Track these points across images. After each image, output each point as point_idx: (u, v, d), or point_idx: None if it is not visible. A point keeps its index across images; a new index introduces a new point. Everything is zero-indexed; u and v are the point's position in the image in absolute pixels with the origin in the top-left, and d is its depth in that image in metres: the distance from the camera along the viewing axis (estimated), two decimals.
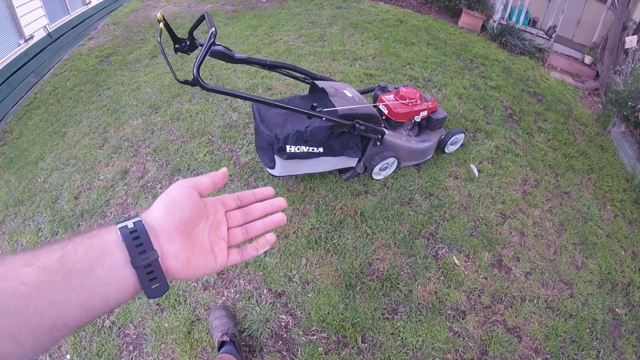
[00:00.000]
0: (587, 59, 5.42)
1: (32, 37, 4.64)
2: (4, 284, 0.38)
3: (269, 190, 0.63)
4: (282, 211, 0.62)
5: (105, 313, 0.41)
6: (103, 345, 1.90)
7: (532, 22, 5.97)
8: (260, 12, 5.70)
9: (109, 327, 1.96)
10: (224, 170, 0.60)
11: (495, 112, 3.62)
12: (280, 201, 0.62)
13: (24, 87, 4.38)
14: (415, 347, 1.89)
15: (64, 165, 3.01)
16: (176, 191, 0.52)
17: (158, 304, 2.02)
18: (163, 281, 0.46)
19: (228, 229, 0.58)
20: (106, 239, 0.45)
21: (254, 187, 2.55)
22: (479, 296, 2.13)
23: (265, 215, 0.61)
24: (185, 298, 2.03)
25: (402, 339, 1.91)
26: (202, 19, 1.94)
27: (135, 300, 2.03)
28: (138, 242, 0.45)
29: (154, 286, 0.46)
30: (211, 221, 0.55)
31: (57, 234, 2.46)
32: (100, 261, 0.43)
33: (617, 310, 2.26)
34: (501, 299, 2.14)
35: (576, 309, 2.18)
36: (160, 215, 0.49)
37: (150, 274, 0.45)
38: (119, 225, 0.46)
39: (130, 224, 0.46)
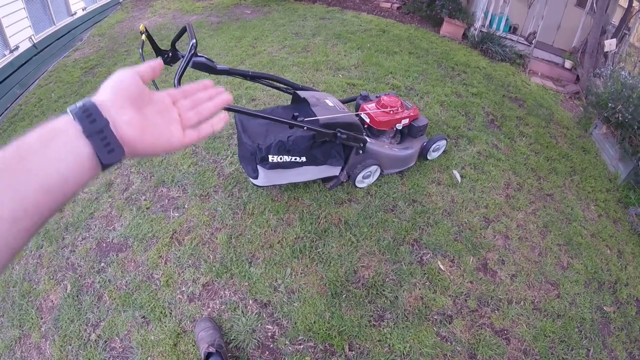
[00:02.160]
0: (568, 64, 5.56)
1: (17, 47, 4.60)
2: None
3: (210, 82, 0.65)
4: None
5: (67, 198, 0.39)
6: (89, 359, 1.88)
7: (513, 29, 6.10)
8: (244, 23, 5.74)
9: (95, 340, 1.95)
10: (159, 59, 0.60)
11: (477, 118, 3.69)
12: (222, 89, 0.64)
13: (9, 99, 4.33)
14: (403, 354, 1.90)
15: None
16: (120, 74, 0.52)
17: (144, 316, 2.01)
18: (118, 147, 0.47)
19: (179, 114, 0.58)
20: (58, 120, 0.46)
21: (239, 197, 2.57)
22: (465, 300, 2.16)
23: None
24: (171, 310, 2.02)
25: (389, 345, 1.93)
26: (184, 30, 1.97)
27: (120, 313, 2.02)
28: (88, 114, 0.45)
29: (109, 151, 0.46)
30: (160, 107, 0.56)
31: (41, 247, 2.44)
32: (54, 139, 0.43)
33: (605, 308, 2.30)
34: (488, 302, 2.17)
35: (564, 309, 2.22)
36: (108, 92, 0.50)
37: (103, 139, 0.45)
38: (69, 108, 0.47)
39: (79, 103, 0.47)
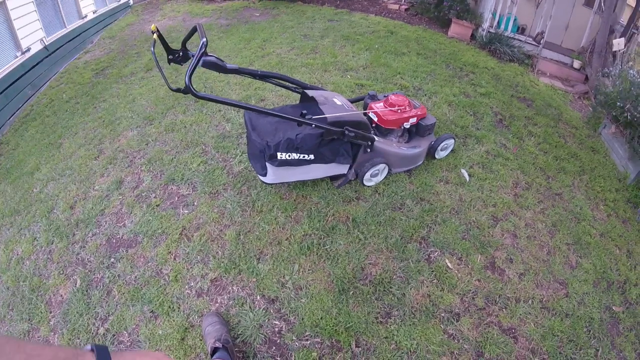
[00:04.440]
0: (576, 64, 5.52)
1: (29, 49, 4.70)
2: None
3: None
4: None
5: None
6: None
7: (521, 30, 6.07)
8: (253, 25, 5.80)
9: (103, 334, 1.97)
10: None
11: (485, 118, 3.68)
12: None
13: (21, 99, 4.42)
14: (410, 351, 1.89)
15: (60, 176, 3.04)
16: None
17: (152, 311, 2.03)
18: None
19: None
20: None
21: (248, 195, 2.59)
22: (473, 298, 2.15)
23: None
24: (179, 305, 2.04)
25: (396, 342, 1.92)
26: (194, 30, 1.99)
27: (129, 308, 2.05)
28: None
29: None
30: None
31: (52, 243, 2.48)
32: None
33: (614, 308, 2.27)
34: (495, 301, 2.15)
35: (572, 308, 2.19)
36: None
37: None
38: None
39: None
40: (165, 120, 3.46)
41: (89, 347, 0.65)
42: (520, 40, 5.66)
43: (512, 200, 2.82)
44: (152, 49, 2.02)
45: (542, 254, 2.48)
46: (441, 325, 2.01)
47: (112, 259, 2.32)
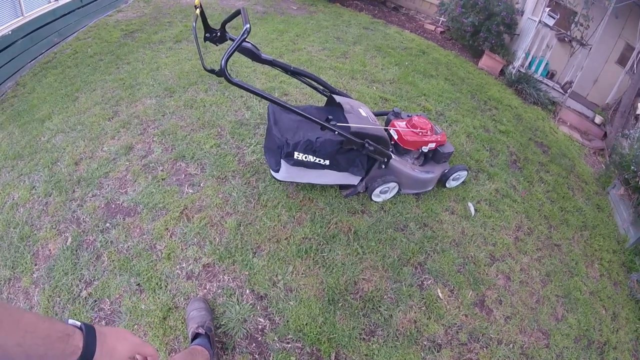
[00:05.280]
0: (598, 119, 5.51)
1: None
2: None
3: None
4: None
5: None
6: (75, 315, 1.88)
7: (550, 75, 6.07)
8: (289, 18, 5.78)
9: (85, 298, 1.95)
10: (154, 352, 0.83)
11: (500, 155, 3.67)
12: None
13: (45, 45, 4.38)
14: None
15: (70, 130, 3.01)
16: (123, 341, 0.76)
17: (139, 284, 2.01)
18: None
19: None
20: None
21: (255, 187, 2.57)
22: (457, 332, 2.14)
23: None
24: (167, 284, 2.02)
25: None
26: (237, 13, 1.98)
27: (116, 276, 2.03)
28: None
29: None
30: None
31: (50, 195, 2.45)
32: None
33: None
34: (478, 338, 2.15)
35: (550, 359, 2.20)
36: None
37: None
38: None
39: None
40: (186, 95, 3.44)
41: (78, 323, 0.69)
42: (548, 85, 5.66)
43: (512, 242, 2.82)
44: (194, 24, 2.00)
45: (531, 301, 2.48)
46: (421, 353, 2.00)
47: (108, 224, 2.29)
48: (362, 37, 5.51)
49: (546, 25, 5.37)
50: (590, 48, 5.36)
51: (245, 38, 1.72)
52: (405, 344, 2.01)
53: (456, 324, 2.18)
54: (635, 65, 5.19)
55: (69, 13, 4.77)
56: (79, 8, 4.95)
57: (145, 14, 5.41)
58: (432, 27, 6.88)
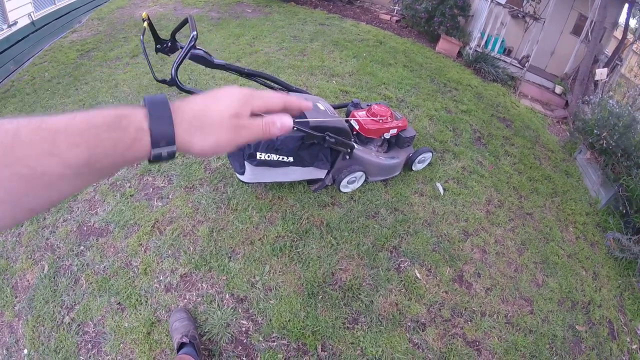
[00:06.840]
0: (558, 89, 5.70)
1: (15, 23, 4.55)
2: None
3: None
4: None
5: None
6: (61, 341, 1.88)
7: (507, 51, 6.24)
8: (244, 21, 5.77)
9: (69, 323, 1.94)
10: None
11: (464, 134, 3.77)
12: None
13: (2, 74, 4.28)
14: (375, 357, 1.93)
15: None
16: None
17: (119, 303, 2.01)
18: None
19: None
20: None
21: (224, 192, 2.59)
22: (439, 309, 2.20)
23: None
24: (147, 299, 2.03)
25: (361, 348, 1.96)
26: (185, 22, 1.99)
27: (96, 298, 2.02)
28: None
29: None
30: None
31: (21, 226, 2.41)
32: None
33: (577, 327, 2.36)
34: (461, 313, 2.22)
35: (536, 325, 2.27)
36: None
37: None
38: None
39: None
40: None
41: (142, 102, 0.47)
42: (506, 62, 5.82)
43: (484, 216, 2.91)
44: (142, 37, 2.01)
45: (510, 270, 2.56)
46: (407, 334, 2.05)
47: (82, 247, 2.28)
48: (318, 33, 5.56)
49: (499, 3, 5.53)
50: (544, 22, 5.54)
51: (194, 45, 1.74)
52: (390, 327, 2.06)
53: (437, 301, 2.24)
54: (589, 34, 5.39)
55: (23, 39, 4.68)
56: (32, 32, 4.85)
57: (100, 32, 5.33)
58: (388, 17, 6.98)
